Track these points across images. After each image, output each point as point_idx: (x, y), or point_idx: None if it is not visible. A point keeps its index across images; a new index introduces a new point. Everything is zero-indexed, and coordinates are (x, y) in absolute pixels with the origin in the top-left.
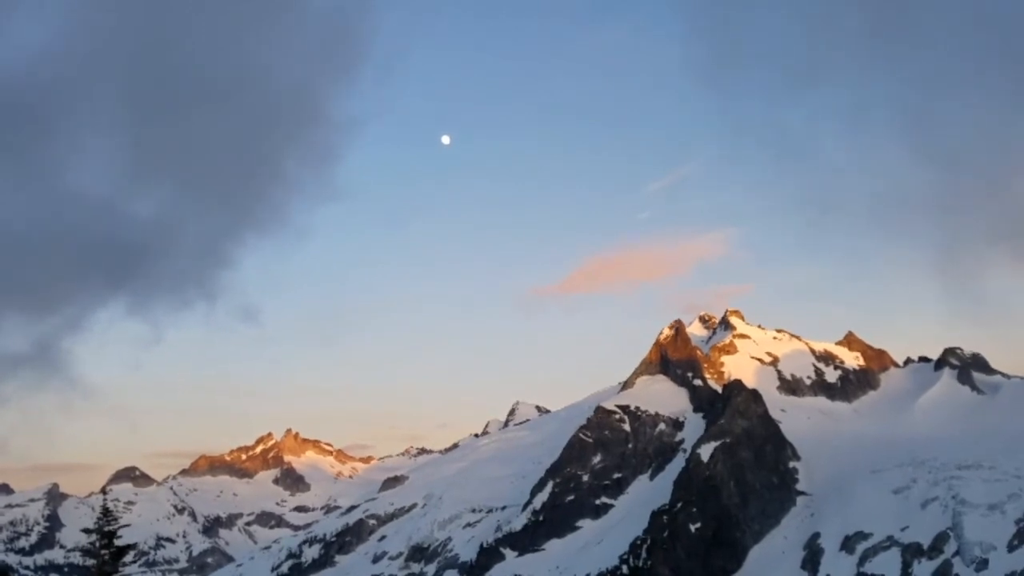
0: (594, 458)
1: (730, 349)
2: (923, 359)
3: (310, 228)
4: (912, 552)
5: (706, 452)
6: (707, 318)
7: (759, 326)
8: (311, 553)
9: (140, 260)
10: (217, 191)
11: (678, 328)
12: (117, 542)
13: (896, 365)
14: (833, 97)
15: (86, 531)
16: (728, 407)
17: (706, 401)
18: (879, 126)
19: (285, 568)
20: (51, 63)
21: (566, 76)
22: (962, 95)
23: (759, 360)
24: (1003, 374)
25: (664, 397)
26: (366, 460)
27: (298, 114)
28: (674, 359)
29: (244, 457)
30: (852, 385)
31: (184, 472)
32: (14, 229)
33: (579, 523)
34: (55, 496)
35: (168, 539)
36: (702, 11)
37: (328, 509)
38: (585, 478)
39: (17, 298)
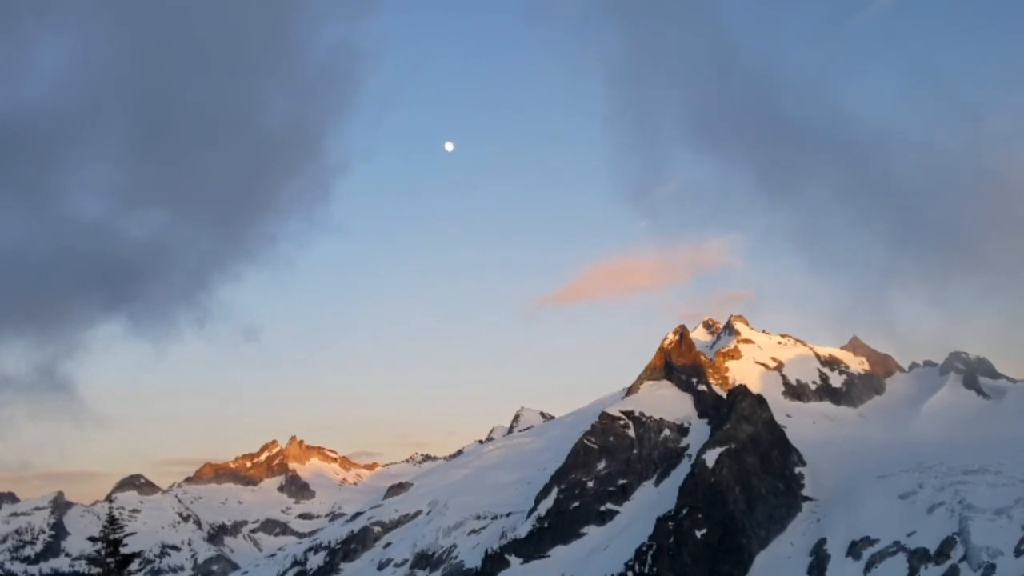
0: (599, 464)
1: (735, 354)
2: (928, 364)
3: (313, 238)
4: (919, 557)
5: (711, 458)
6: (711, 323)
7: (763, 331)
8: (316, 560)
9: (142, 279)
10: (218, 212)
11: (682, 333)
12: (122, 550)
13: (901, 370)
14: (742, 228)
15: (91, 539)
16: (733, 412)
17: (711, 406)
18: (781, 248)
19: (290, 575)
20: (59, 95)
21: (567, 82)
22: (844, 225)
23: (764, 365)
24: (1008, 378)
25: (669, 403)
26: (371, 467)
27: (301, 136)
28: (679, 364)
29: (249, 464)
30: (857, 390)
31: (189, 480)
32: (22, 255)
33: (584, 530)
34: (60, 504)
35: (173, 547)
36: (624, 147)
37: (333, 516)
38: (590, 484)
39: (26, 314)
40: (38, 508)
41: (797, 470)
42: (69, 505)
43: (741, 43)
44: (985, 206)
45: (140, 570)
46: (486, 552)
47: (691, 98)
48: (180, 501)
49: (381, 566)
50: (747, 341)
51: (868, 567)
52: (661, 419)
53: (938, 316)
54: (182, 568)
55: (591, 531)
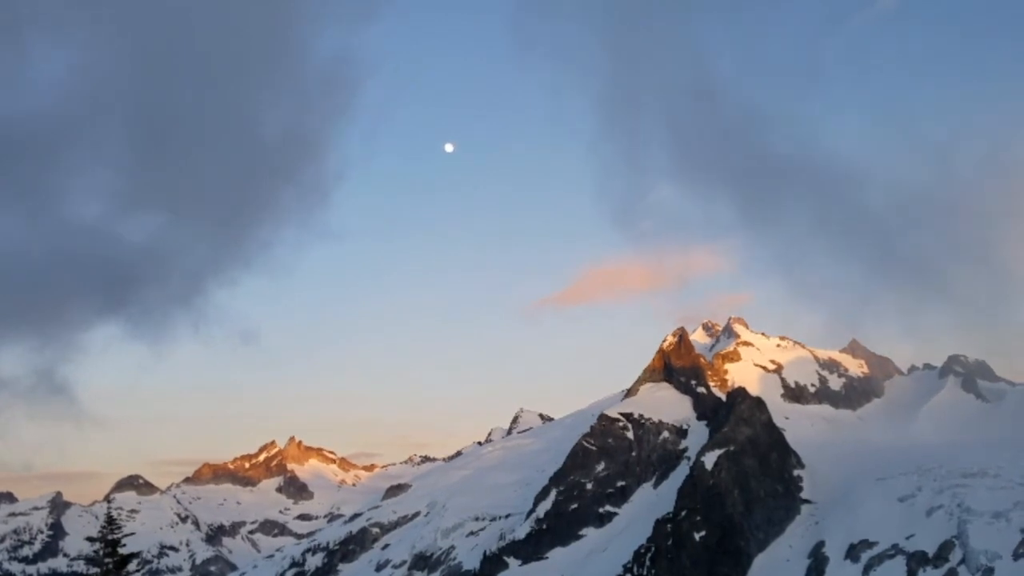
0: (598, 466)
1: (734, 357)
2: (927, 366)
3: (311, 242)
4: (917, 560)
5: (710, 460)
6: (711, 325)
7: (763, 334)
8: (314, 561)
9: (139, 283)
10: (216, 216)
11: (682, 335)
12: (121, 550)
13: (900, 372)
14: (725, 249)
15: (90, 540)
16: (732, 415)
17: (710, 409)
18: (762, 270)
19: None
20: (59, 99)
21: (565, 85)
22: (819, 251)
23: (763, 368)
24: (1007, 381)
25: (668, 405)
26: (369, 468)
27: (300, 141)
28: (678, 367)
29: (247, 465)
30: (856, 393)
31: (187, 480)
32: (21, 258)
33: (583, 531)
34: (59, 504)
35: (171, 547)
36: (607, 179)
37: (331, 517)
38: (589, 486)
39: (24, 316)
40: (36, 508)
41: (796, 472)
42: (67, 505)
43: (723, 80)
44: (955, 239)
45: (138, 570)
46: (484, 553)
47: (673, 125)
48: (178, 501)
49: (379, 567)
50: (746, 343)
51: (866, 570)
52: (660, 421)
53: (911, 346)
54: (180, 569)
55: (590, 533)
